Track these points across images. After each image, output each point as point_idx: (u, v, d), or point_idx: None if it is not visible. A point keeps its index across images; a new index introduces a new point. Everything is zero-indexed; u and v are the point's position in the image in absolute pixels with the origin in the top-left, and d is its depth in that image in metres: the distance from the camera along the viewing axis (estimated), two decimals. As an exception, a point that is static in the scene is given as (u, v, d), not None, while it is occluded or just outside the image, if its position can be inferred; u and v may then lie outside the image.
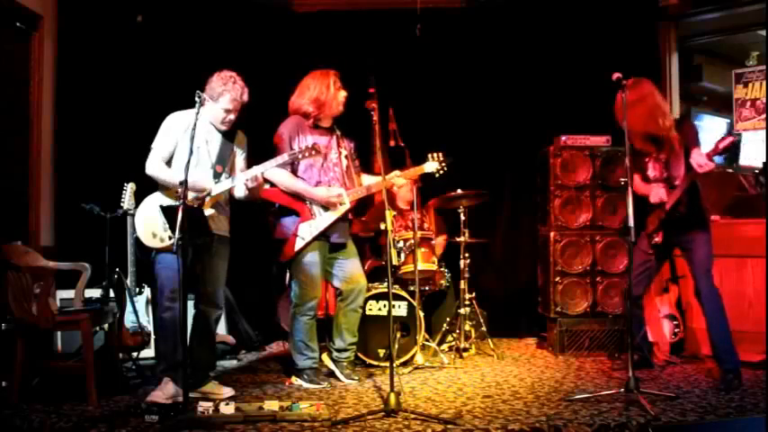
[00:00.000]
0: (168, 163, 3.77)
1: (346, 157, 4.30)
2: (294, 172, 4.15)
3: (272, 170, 4.04)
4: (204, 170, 3.74)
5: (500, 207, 5.95)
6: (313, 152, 3.79)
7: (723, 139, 3.81)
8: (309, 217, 4.11)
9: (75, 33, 5.36)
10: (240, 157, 3.93)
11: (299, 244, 4.08)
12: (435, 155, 4.53)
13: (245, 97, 3.78)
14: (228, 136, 3.87)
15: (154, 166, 3.74)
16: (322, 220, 4.12)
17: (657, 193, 4.12)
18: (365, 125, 4.03)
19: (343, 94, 4.20)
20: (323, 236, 4.13)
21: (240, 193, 3.86)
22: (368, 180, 4.37)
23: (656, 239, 4.16)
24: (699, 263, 4.08)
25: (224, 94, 3.71)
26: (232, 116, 3.78)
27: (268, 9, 5.72)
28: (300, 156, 3.80)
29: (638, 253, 4.21)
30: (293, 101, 4.22)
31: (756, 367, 4.34)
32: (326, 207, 4.14)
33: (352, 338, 4.31)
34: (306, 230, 4.10)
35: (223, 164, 3.80)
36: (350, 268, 4.26)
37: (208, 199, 3.70)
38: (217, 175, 3.76)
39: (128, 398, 3.78)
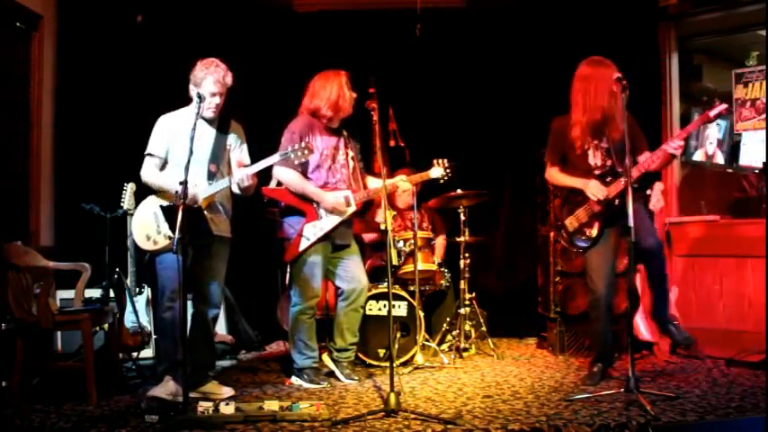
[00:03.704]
0: (164, 166, 3.77)
1: (353, 158, 4.29)
2: (303, 173, 4.13)
3: (281, 170, 4.05)
4: (198, 171, 3.67)
5: (500, 207, 5.94)
6: (306, 152, 3.75)
7: (713, 106, 3.63)
8: (315, 218, 4.10)
9: (75, 33, 5.36)
10: (238, 149, 3.88)
11: (303, 244, 4.07)
12: (441, 161, 4.53)
13: (229, 80, 3.72)
14: (221, 129, 3.82)
15: (149, 174, 3.74)
16: (327, 221, 4.11)
17: (597, 187, 3.89)
18: (365, 125, 4.03)
19: (353, 96, 4.20)
20: (326, 236, 4.13)
21: (235, 189, 3.81)
22: (373, 183, 4.36)
23: (590, 233, 3.96)
24: (641, 223, 3.78)
25: (206, 77, 3.66)
26: (217, 99, 3.70)
27: (268, 9, 5.72)
28: (293, 156, 3.75)
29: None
30: (309, 103, 4.18)
31: (756, 367, 4.33)
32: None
33: (353, 338, 4.30)
34: (311, 231, 4.09)
35: (217, 162, 3.76)
36: (352, 268, 4.26)
37: (201, 200, 3.65)
38: (211, 176, 3.72)
39: (128, 398, 3.78)
